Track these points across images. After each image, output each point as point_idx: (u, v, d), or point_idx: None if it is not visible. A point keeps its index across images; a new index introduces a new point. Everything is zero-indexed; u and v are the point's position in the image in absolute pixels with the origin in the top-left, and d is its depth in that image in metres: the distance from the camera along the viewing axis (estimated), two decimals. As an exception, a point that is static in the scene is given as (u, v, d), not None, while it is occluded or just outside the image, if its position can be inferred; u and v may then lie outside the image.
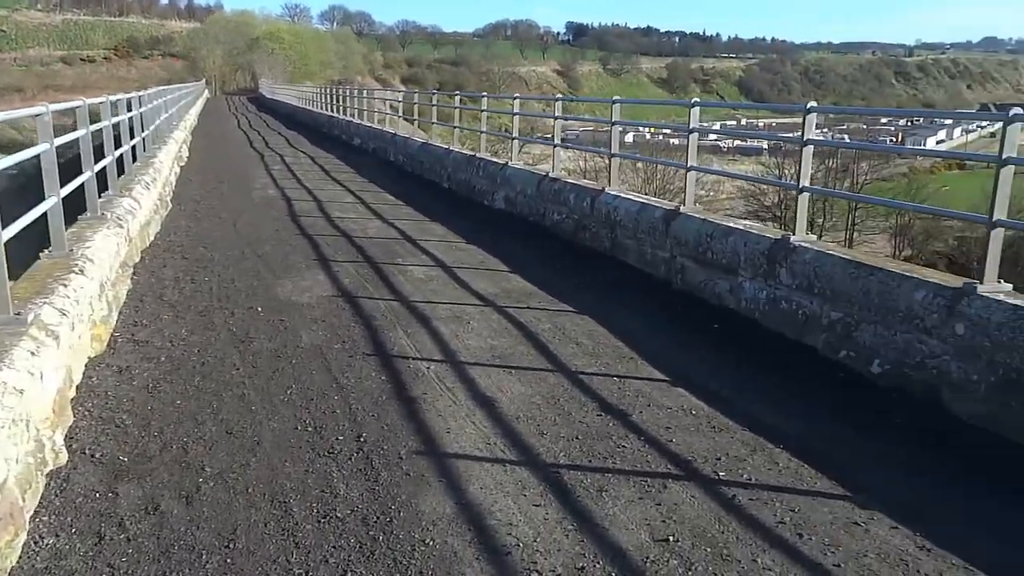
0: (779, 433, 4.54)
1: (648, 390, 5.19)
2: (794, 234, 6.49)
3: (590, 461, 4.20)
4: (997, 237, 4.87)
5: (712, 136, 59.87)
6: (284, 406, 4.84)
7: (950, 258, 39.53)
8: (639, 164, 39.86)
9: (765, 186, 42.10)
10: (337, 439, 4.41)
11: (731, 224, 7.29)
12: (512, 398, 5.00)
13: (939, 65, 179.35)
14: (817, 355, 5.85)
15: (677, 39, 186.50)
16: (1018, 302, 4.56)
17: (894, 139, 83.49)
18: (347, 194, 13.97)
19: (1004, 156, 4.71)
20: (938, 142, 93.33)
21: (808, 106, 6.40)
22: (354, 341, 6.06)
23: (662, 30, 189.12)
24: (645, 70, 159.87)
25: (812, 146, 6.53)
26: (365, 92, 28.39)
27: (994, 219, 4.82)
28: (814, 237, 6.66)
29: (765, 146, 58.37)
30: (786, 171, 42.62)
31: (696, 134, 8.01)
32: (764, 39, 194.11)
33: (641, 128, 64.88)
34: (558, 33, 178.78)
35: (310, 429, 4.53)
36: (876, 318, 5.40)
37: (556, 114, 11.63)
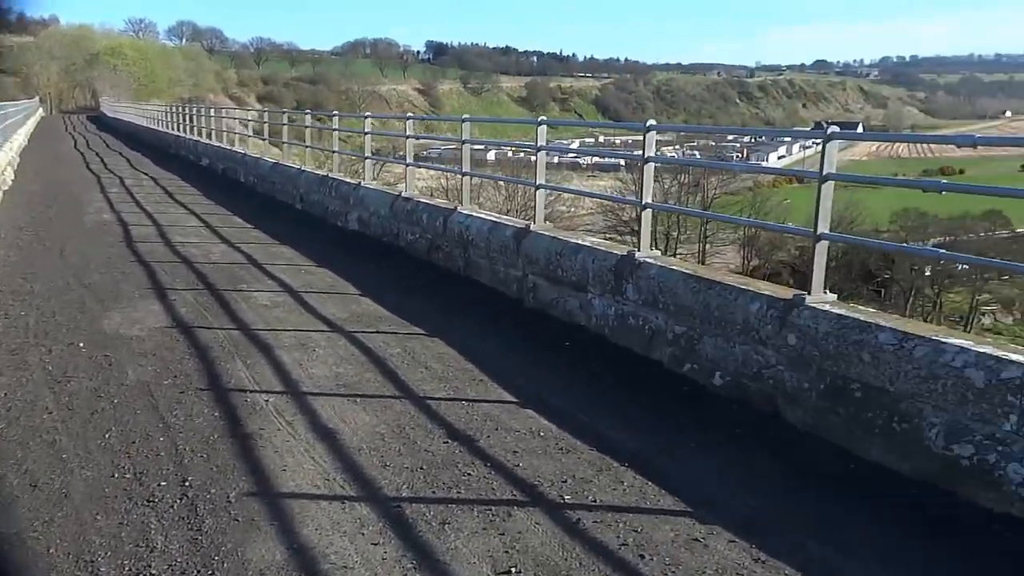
0: (625, 451, 4.53)
1: (497, 413, 5.09)
2: (639, 250, 6.59)
3: (434, 492, 4.04)
4: (822, 250, 5.08)
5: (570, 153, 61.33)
6: (101, 452, 4.42)
7: (793, 267, 41.98)
8: (500, 182, 40.24)
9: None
10: (159, 485, 4.05)
11: (579, 241, 7.34)
12: (355, 429, 4.78)
13: (777, 86, 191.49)
14: (663, 369, 5.93)
15: (535, 59, 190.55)
16: (842, 312, 4.76)
17: (740, 155, 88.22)
18: (191, 217, 13.27)
19: (824, 172, 4.92)
20: (779, 157, 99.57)
21: (648, 124, 6.53)
22: (187, 375, 5.66)
23: (520, 50, 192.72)
24: (505, 89, 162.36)
25: (653, 163, 6.67)
26: (213, 111, 27.25)
27: (818, 232, 5.02)
28: (658, 252, 6.79)
29: (622, 163, 60.31)
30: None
31: (544, 152, 8.05)
32: (618, 59, 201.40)
33: (503, 146, 65.64)
34: (418, 52, 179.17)
35: (128, 476, 4.15)
36: (717, 331, 5.53)
37: (408, 133, 11.47)
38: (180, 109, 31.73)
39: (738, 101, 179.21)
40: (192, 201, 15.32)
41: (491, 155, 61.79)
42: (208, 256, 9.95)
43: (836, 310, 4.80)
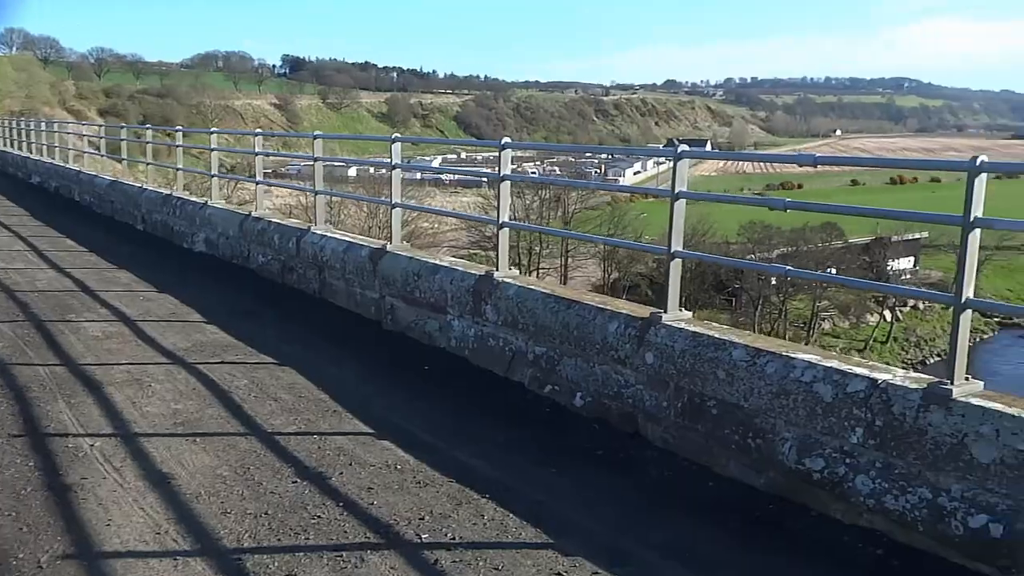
0: (486, 480, 4.36)
1: (351, 446, 4.80)
2: (497, 269, 6.47)
3: (279, 540, 3.72)
4: (676, 267, 5.10)
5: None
6: None
7: (651, 279, 43.51)
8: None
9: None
10: (-45, 554, 3.53)
11: (437, 261, 7.15)
12: (194, 472, 4.38)
13: (631, 104, 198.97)
14: (525, 391, 5.82)
15: (395, 75, 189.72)
16: (697, 329, 4.78)
17: (598, 171, 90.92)
18: (16, 240, 12.16)
19: (676, 191, 4.94)
20: (635, 172, 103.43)
21: (503, 142, 6.44)
22: (-1, 420, 5.05)
23: (380, 65, 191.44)
24: (365, 104, 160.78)
25: (509, 181, 6.57)
26: (45, 124, 25.32)
27: (672, 251, 5.03)
28: (516, 272, 6.69)
29: (485, 179, 60.79)
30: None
31: (399, 170, 7.83)
32: (478, 76, 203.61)
33: (360, 164, 64.81)
34: (274, 66, 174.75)
35: (-82, 545, 3.60)
36: (577, 351, 5.46)
37: (257, 149, 10.96)
38: (8, 123, 29.37)
39: (595, 118, 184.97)
40: (18, 223, 14.07)
41: (352, 171, 60.80)
42: (33, 284, 9.09)
43: (692, 328, 4.81)
